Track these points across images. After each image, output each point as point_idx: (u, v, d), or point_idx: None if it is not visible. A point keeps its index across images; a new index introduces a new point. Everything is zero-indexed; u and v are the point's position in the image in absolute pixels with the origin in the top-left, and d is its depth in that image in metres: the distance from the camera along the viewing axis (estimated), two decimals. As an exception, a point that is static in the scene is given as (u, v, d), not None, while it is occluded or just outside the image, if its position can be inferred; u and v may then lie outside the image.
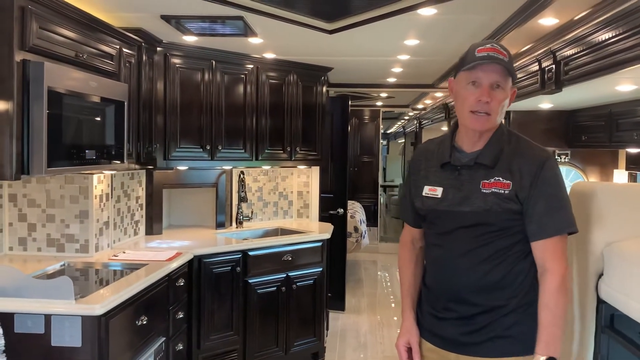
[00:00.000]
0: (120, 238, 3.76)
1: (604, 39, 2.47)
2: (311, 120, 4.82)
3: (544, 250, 1.67)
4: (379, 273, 7.95)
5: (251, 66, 4.38)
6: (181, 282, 3.33)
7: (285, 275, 4.10)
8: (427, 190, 1.79)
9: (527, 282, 1.71)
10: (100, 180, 3.37)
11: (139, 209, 4.08)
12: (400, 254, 1.97)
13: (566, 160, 4.42)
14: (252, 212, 4.79)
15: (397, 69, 5.00)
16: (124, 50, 3.26)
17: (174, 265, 3.20)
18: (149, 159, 3.77)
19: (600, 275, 1.98)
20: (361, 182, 10.37)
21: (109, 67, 3.05)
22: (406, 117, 10.80)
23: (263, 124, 4.47)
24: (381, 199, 14.58)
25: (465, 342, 1.74)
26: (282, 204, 5.12)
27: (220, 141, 4.20)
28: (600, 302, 1.98)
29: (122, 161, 3.13)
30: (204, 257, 3.64)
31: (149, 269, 3.01)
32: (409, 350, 1.88)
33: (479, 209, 1.68)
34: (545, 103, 3.99)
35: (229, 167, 4.50)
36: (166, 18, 3.19)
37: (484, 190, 1.68)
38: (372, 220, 9.69)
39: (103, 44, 2.99)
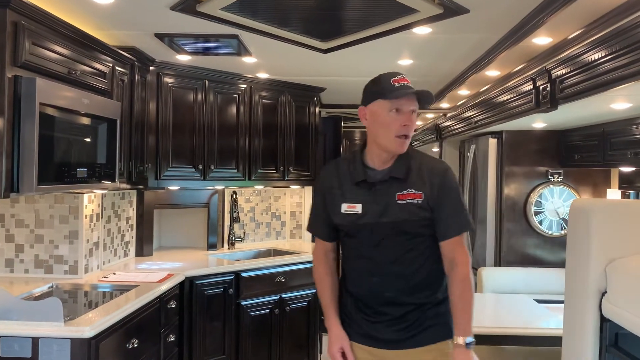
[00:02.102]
0: (110, 259, 3.68)
1: (597, 57, 2.47)
2: (304, 140, 4.80)
3: (452, 246, 1.91)
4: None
5: (244, 86, 4.36)
6: (172, 304, 3.25)
7: (278, 297, 4.03)
8: (345, 208, 1.94)
9: (446, 278, 1.95)
10: (90, 200, 3.31)
11: (130, 229, 4.01)
12: (316, 268, 2.09)
13: (559, 179, 4.42)
14: (244, 232, 4.73)
15: (389, 90, 5.01)
16: (117, 68, 3.23)
17: (165, 286, 3.13)
18: (141, 178, 3.71)
19: (604, 293, 1.94)
20: (352, 203, 10.32)
21: (102, 85, 3.02)
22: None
23: (256, 144, 4.44)
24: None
25: (401, 339, 1.92)
26: (274, 224, 5.06)
27: (212, 161, 4.16)
28: (604, 320, 1.94)
29: (114, 180, 3.07)
30: (195, 279, 3.57)
31: (140, 290, 2.93)
32: (343, 355, 1.99)
33: (397, 219, 1.89)
34: (538, 122, 4.00)
35: (221, 187, 4.46)
36: (160, 36, 3.17)
37: (400, 202, 1.89)
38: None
39: (96, 62, 2.96)
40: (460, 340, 1.87)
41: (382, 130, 1.88)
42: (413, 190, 1.90)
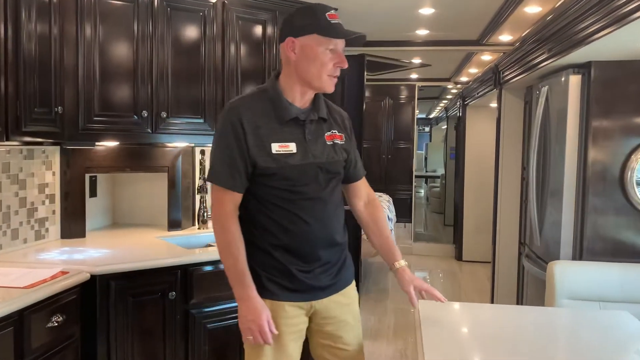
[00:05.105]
0: (1, 245, 2.56)
1: None
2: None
3: (364, 185, 2.06)
4: (411, 280, 6.55)
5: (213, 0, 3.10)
6: (58, 320, 2.08)
7: (252, 300, 2.81)
8: (277, 147, 1.78)
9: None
10: (-61, 158, 2.17)
11: (47, 201, 2.87)
12: (228, 228, 1.80)
13: (676, 135, 2.96)
14: (221, 207, 3.50)
15: (426, 10, 3.60)
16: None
17: (33, 297, 1.96)
18: (51, 127, 2.56)
19: None
20: (395, 171, 8.99)
21: None
22: (448, 96, 9.32)
23: (235, 81, 3.19)
24: (422, 192, 13.15)
25: (332, 283, 1.89)
26: (269, 196, 3.82)
27: (165, 106, 2.95)
28: None
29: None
30: (113, 278, 2.39)
31: (-24, 305, 1.78)
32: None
33: (330, 159, 1.86)
34: (653, 42, 2.54)
35: (184, 144, 3.24)
36: None
37: (328, 142, 1.88)
38: (407, 215, 8.35)
39: None
40: (403, 262, 1.99)
41: (314, 68, 1.79)
42: (336, 132, 1.91)
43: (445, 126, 11.01)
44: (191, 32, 3.04)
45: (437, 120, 13.46)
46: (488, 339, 1.90)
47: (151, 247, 2.85)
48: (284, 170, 1.78)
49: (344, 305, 1.93)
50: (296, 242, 1.82)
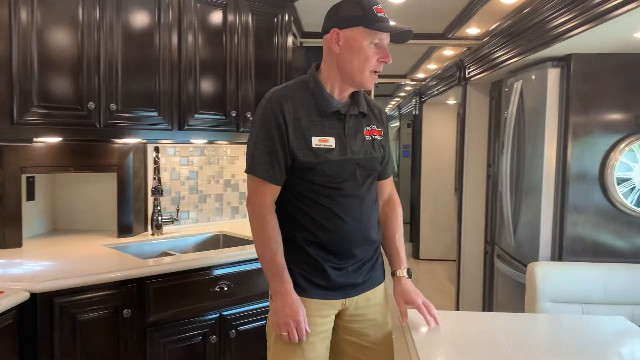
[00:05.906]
0: None
1: None
2: (268, 83, 3.24)
3: (389, 185, 2.00)
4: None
5: (168, -18, 2.78)
6: (-11, 352, 1.75)
7: (217, 315, 2.52)
8: (317, 141, 1.74)
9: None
10: None
11: (-24, 207, 2.49)
12: (268, 221, 1.75)
13: (657, 131, 2.89)
14: (177, 210, 3.18)
15: (396, -3, 3.41)
16: None
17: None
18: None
19: None
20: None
21: None
22: (402, 94, 9.22)
23: (190, 88, 2.88)
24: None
25: (362, 281, 1.85)
26: (229, 197, 3.53)
27: (114, 98, 2.61)
28: None
29: None
30: (57, 295, 2.05)
31: None
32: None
33: (368, 155, 1.82)
34: (642, 32, 2.43)
35: (135, 140, 2.91)
36: None
37: (367, 138, 1.83)
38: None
39: None
40: (403, 272, 1.91)
41: (357, 61, 1.74)
42: (374, 127, 1.87)
43: (398, 124, 10.94)
44: (144, 18, 2.71)
45: (389, 118, 13.41)
46: (483, 346, 1.72)
47: (100, 257, 2.51)
48: (324, 165, 1.72)
49: (375, 305, 1.88)
50: (332, 239, 1.77)
